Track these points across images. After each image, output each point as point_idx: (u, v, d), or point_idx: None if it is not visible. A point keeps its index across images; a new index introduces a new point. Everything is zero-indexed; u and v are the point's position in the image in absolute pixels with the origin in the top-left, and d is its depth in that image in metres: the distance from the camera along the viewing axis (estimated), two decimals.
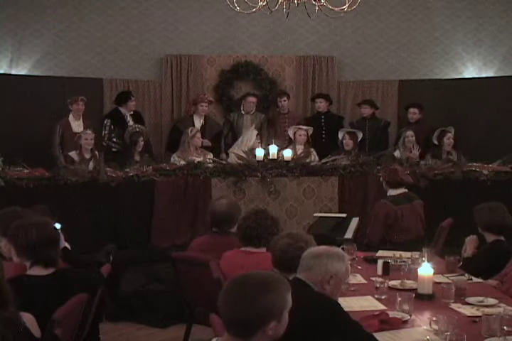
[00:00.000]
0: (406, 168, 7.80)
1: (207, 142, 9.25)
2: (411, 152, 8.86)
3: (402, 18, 10.81)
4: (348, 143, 8.88)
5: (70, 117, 8.99)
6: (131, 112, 9.41)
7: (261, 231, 4.57)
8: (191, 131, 8.76)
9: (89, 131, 8.47)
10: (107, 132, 9.18)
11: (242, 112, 9.85)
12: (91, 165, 8.10)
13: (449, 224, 6.43)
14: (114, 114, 9.40)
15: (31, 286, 3.67)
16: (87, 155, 8.31)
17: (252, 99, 9.84)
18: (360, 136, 9.08)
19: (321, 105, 9.85)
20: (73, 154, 8.33)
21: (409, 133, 9.00)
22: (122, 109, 9.34)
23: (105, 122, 9.25)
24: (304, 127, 9.11)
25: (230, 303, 2.55)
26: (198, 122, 9.48)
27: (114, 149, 9.11)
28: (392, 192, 6.46)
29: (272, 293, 2.56)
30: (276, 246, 3.82)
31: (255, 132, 9.12)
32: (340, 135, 9.07)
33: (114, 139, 9.11)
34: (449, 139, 8.77)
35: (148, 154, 8.76)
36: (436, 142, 8.88)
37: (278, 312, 2.57)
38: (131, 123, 9.24)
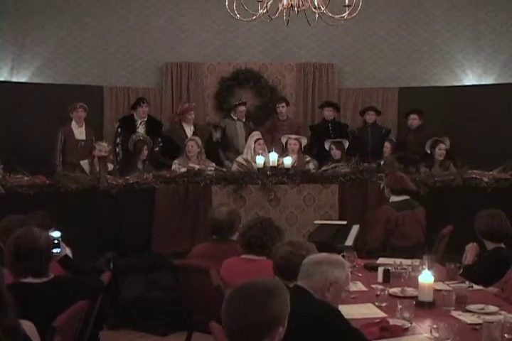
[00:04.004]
0: (408, 175, 7.80)
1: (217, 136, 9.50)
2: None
3: (402, 25, 10.84)
4: (336, 153, 8.98)
5: (73, 124, 9.02)
6: (145, 119, 9.42)
7: (266, 241, 4.57)
8: (185, 141, 8.84)
9: (104, 144, 8.51)
10: (114, 135, 9.28)
11: (234, 118, 9.87)
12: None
13: (449, 231, 6.43)
14: (126, 119, 9.50)
15: (29, 293, 3.66)
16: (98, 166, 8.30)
17: (242, 109, 9.89)
18: (346, 144, 9.11)
19: (330, 114, 9.87)
20: (84, 163, 8.35)
21: (385, 143, 9.26)
22: (136, 115, 9.40)
23: (116, 125, 9.36)
24: (294, 136, 9.12)
25: (236, 313, 2.53)
26: (189, 130, 9.52)
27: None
28: (395, 198, 6.47)
29: (277, 299, 2.57)
30: (277, 254, 3.82)
31: (254, 138, 9.10)
32: (326, 145, 9.15)
33: (118, 140, 9.17)
34: (440, 150, 8.80)
35: (150, 161, 8.77)
36: (428, 151, 8.94)
37: (284, 317, 2.59)
38: (140, 129, 9.28)
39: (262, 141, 8.98)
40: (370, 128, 9.73)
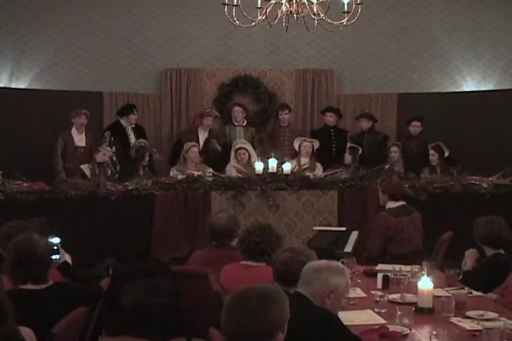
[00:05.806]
0: (405, 181, 7.80)
1: (217, 146, 9.36)
2: (398, 166, 8.95)
3: (401, 31, 10.84)
4: (347, 158, 9.15)
5: (73, 130, 9.02)
6: (133, 126, 9.40)
7: (265, 247, 4.57)
8: (187, 146, 8.81)
9: (108, 148, 8.62)
10: (107, 144, 9.18)
11: (235, 124, 9.86)
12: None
13: (448, 237, 6.42)
14: (114, 126, 9.41)
15: (28, 300, 3.66)
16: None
17: (239, 109, 9.86)
18: (359, 151, 9.21)
19: (331, 119, 9.86)
20: (85, 167, 8.37)
21: (393, 148, 9.20)
22: (123, 122, 9.34)
23: (105, 134, 9.26)
24: (309, 139, 9.19)
25: (236, 319, 2.52)
26: (203, 136, 9.48)
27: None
28: (391, 204, 6.47)
29: (277, 305, 2.56)
30: (278, 260, 3.82)
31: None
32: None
33: (114, 149, 9.13)
34: (430, 155, 8.83)
35: (149, 168, 8.80)
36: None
37: (284, 323, 2.58)
38: (131, 136, 9.26)
39: (242, 151, 8.88)
40: (366, 135, 9.72)
